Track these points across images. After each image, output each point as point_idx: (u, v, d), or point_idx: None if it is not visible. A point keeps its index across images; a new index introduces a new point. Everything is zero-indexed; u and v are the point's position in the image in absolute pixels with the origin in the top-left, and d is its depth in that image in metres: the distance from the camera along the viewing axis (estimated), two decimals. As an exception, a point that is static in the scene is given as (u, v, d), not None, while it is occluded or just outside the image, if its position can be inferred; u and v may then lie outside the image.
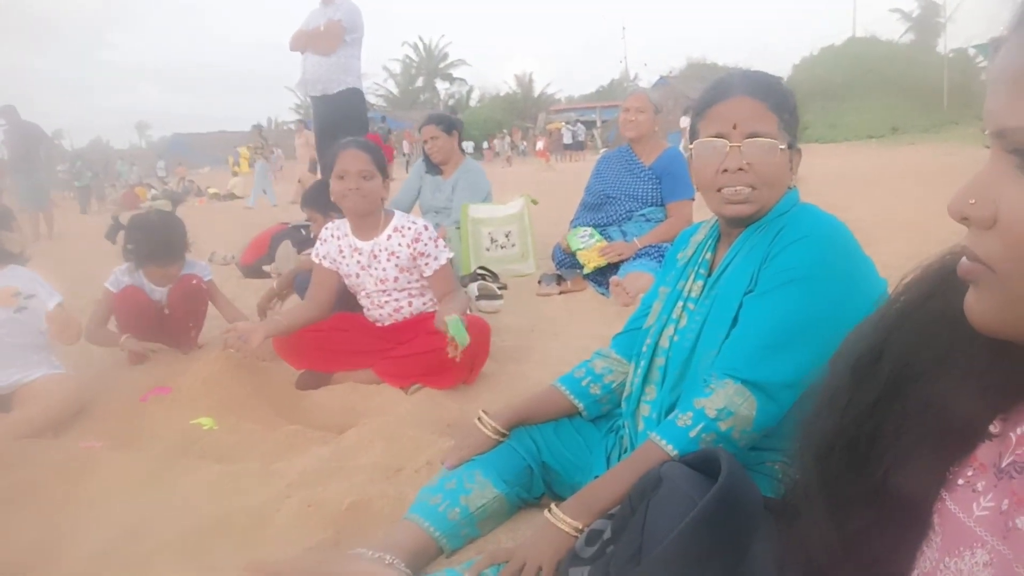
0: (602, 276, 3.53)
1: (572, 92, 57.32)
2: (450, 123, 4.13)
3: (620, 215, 3.71)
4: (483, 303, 3.33)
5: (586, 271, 3.59)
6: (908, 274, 0.65)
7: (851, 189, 8.18)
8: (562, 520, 1.17)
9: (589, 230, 3.66)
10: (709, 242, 1.40)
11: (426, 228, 2.38)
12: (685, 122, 18.51)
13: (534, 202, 4.25)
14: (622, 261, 3.47)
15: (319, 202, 3.12)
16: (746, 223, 1.29)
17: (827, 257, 1.18)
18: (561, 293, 3.58)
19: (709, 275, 1.35)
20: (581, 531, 1.15)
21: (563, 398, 1.53)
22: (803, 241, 1.19)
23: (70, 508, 1.72)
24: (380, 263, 2.35)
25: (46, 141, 10.43)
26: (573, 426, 1.53)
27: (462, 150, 4.27)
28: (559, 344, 2.79)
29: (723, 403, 1.14)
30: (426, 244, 2.35)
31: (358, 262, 2.37)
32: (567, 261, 3.74)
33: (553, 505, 1.20)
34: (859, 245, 1.24)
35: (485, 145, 32.88)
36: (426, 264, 2.36)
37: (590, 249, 3.55)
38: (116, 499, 1.75)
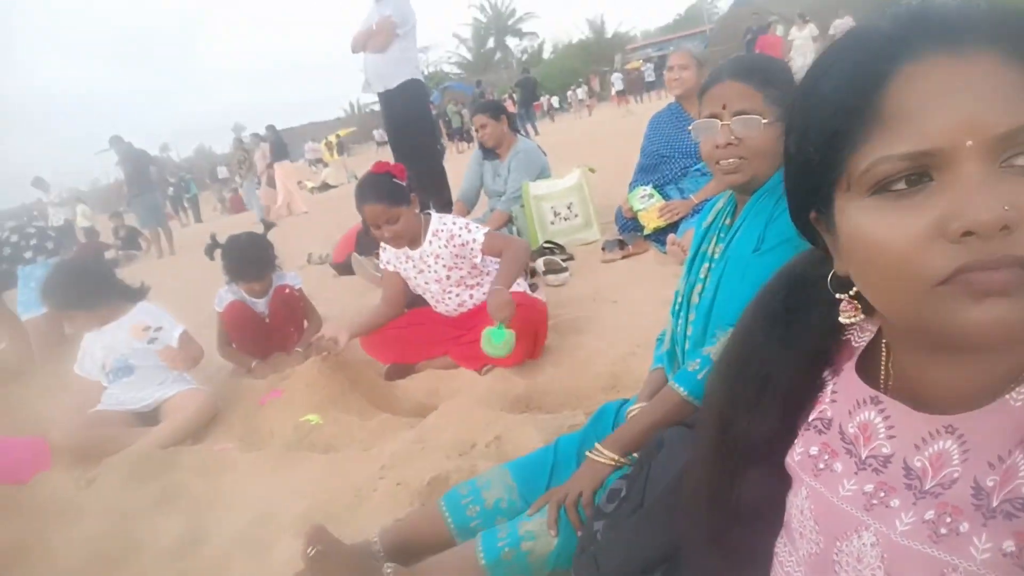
0: (664, 235, 3.66)
1: (648, 26, 55.43)
2: (496, 109, 4.33)
3: (676, 173, 3.80)
4: (550, 277, 3.55)
5: (647, 232, 3.72)
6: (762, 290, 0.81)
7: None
8: (600, 453, 1.40)
9: (648, 190, 3.77)
10: (728, 208, 1.57)
11: (454, 223, 2.59)
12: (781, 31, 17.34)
13: (592, 170, 4.39)
14: (682, 219, 3.58)
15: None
16: (750, 189, 1.45)
17: None
18: (624, 257, 3.74)
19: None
20: (615, 461, 1.37)
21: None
22: None
23: (212, 503, 2.10)
24: (430, 266, 2.61)
25: (154, 161, 11.34)
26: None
27: (514, 130, 4.44)
28: (618, 311, 2.97)
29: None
30: (460, 236, 2.56)
31: (414, 266, 2.65)
32: (629, 225, 3.89)
33: (597, 444, 1.43)
34: None
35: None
36: (471, 251, 2.58)
37: (649, 210, 3.68)
38: (247, 492, 2.12)
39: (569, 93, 32.77)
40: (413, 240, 2.59)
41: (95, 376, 2.79)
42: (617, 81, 27.12)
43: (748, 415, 0.76)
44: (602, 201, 4.59)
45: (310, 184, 19.70)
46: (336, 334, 2.66)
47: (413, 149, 5.53)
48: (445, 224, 2.59)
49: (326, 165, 21.70)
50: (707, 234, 1.58)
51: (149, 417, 2.72)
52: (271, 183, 12.58)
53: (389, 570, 1.40)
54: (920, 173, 0.54)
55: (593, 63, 42.69)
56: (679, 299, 1.59)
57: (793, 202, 0.68)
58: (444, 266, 2.61)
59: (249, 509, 1.99)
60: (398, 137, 5.59)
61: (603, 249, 3.85)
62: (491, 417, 2.13)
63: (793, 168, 0.66)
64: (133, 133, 11.27)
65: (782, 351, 0.74)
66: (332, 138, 23.66)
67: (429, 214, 2.63)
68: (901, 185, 0.54)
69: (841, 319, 0.69)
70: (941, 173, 0.53)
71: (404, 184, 2.51)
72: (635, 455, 1.38)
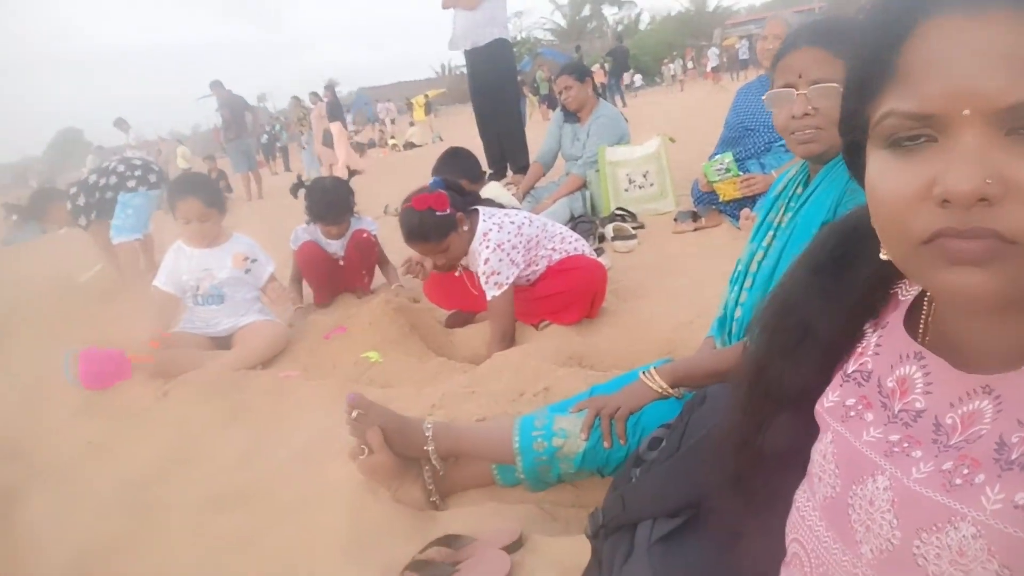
0: (739, 209, 3.58)
1: (754, 0, 53.18)
2: (582, 71, 4.28)
3: (759, 147, 3.69)
4: (617, 243, 3.54)
5: (722, 200, 3.63)
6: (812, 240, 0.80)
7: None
8: (651, 377, 1.43)
9: (728, 160, 3.64)
10: (800, 178, 1.54)
11: (486, 260, 2.40)
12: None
13: (672, 140, 4.31)
14: (760, 194, 3.49)
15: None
16: (825, 159, 1.42)
17: None
18: (696, 229, 3.68)
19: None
20: (663, 390, 1.41)
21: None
22: None
23: (274, 423, 2.23)
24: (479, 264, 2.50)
25: (250, 109, 11.73)
26: None
27: (597, 94, 4.39)
28: (682, 280, 2.94)
29: None
30: (483, 272, 2.43)
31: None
32: (704, 198, 3.81)
33: (652, 367, 1.46)
34: None
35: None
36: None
37: (726, 182, 3.59)
38: (307, 416, 2.23)
39: (664, 67, 31.91)
40: (466, 251, 2.53)
41: (177, 293, 2.94)
42: (713, 57, 26.27)
43: (784, 362, 0.76)
44: (681, 174, 4.51)
45: (392, 141, 19.99)
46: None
47: (495, 110, 5.57)
48: (482, 248, 2.45)
49: (412, 124, 21.97)
50: (775, 203, 1.55)
51: (223, 341, 2.89)
52: (327, 142, 12.62)
53: (430, 424, 1.56)
54: (927, 132, 0.54)
55: (691, 37, 41.40)
56: (739, 267, 1.57)
57: (843, 144, 0.69)
58: None
59: (307, 431, 2.11)
60: (481, 97, 5.63)
61: (675, 220, 3.80)
62: (542, 369, 2.17)
63: (840, 112, 0.67)
64: (232, 84, 11.68)
65: (825, 302, 0.74)
66: (420, 98, 23.91)
67: (476, 211, 2.52)
68: (907, 141, 0.55)
69: (881, 255, 0.68)
70: (943, 136, 0.53)
71: (448, 213, 2.42)
72: (686, 393, 1.39)
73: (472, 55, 5.45)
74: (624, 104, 18.53)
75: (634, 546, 1.05)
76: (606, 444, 1.41)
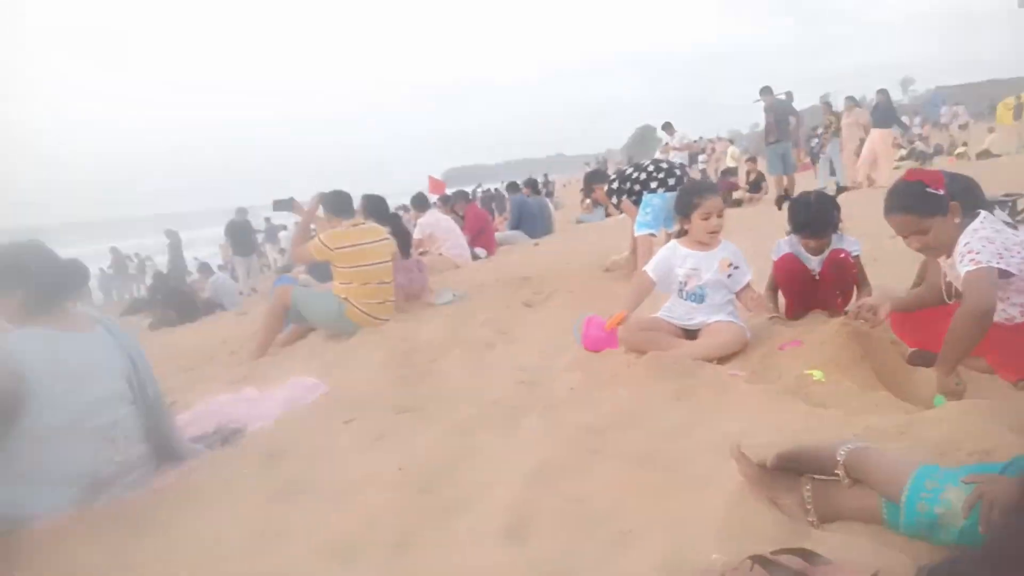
0: None
1: None
2: None
3: None
4: None
5: None
6: None
7: None
8: None
9: None
10: None
11: (966, 243, 2.24)
12: None
13: None
14: None
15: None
16: None
17: None
18: None
19: None
20: None
21: None
22: None
23: (708, 411, 2.50)
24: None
25: (795, 113, 11.84)
26: None
27: None
28: None
29: None
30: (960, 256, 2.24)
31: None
32: None
33: None
34: None
35: None
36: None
37: None
38: (738, 413, 2.45)
39: None
40: (948, 249, 2.36)
41: (660, 281, 3.36)
42: None
43: None
44: None
45: (959, 150, 17.55)
46: (878, 303, 2.73)
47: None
48: (965, 237, 2.28)
49: (991, 130, 18.89)
50: None
51: (691, 333, 3.29)
52: (858, 151, 11.80)
53: (844, 450, 1.67)
54: None
55: None
56: None
57: None
58: None
59: (731, 425, 2.32)
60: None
61: None
62: (992, 431, 1.95)
63: None
64: (789, 83, 11.74)
65: None
66: (1010, 100, 20.29)
67: (978, 213, 2.32)
68: None
69: None
70: None
71: (940, 193, 2.32)
72: None
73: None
74: None
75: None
76: (981, 530, 1.33)
